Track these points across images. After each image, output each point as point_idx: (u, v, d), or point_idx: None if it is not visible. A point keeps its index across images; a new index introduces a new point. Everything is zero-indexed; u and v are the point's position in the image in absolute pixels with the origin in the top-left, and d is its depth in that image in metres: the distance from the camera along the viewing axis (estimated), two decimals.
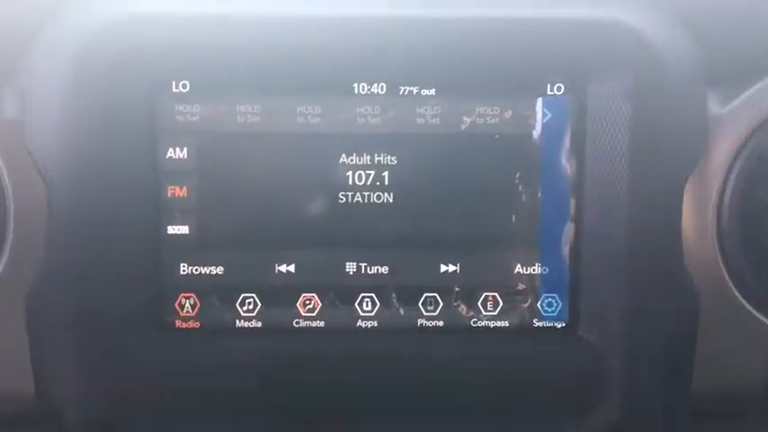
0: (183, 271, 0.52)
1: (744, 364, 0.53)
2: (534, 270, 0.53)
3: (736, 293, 0.52)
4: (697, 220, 0.52)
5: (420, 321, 0.53)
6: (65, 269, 0.50)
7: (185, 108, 0.51)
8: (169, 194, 0.51)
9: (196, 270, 0.52)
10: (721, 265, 0.52)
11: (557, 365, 0.52)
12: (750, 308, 0.53)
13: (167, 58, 0.50)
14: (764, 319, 0.53)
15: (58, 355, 0.51)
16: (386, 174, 0.52)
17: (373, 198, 0.52)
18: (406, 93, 0.52)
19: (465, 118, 0.52)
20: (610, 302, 0.51)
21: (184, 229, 0.51)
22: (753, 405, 0.55)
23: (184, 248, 0.51)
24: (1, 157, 0.50)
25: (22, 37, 0.51)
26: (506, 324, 0.53)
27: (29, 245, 0.50)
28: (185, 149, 0.51)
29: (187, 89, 0.51)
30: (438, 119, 0.52)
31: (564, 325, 0.53)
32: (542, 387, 0.52)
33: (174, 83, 0.51)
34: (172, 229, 0.51)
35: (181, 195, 0.51)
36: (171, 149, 0.51)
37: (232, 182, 0.51)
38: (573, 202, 0.52)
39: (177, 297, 0.52)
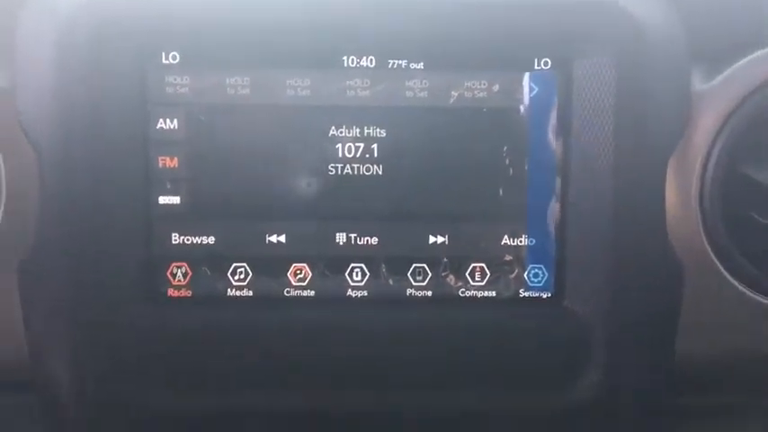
0: (175, 240, 0.52)
1: (727, 335, 0.54)
2: (521, 242, 0.54)
3: (719, 265, 0.54)
4: (680, 193, 0.53)
5: (409, 291, 0.53)
6: (57, 239, 0.50)
7: (175, 79, 0.51)
8: (160, 165, 0.52)
9: (187, 240, 0.52)
10: (704, 238, 0.53)
11: (542, 335, 0.53)
12: (732, 279, 0.54)
13: (157, 30, 0.50)
14: (746, 290, 0.54)
15: (52, 324, 0.51)
16: (375, 146, 0.52)
17: (362, 170, 0.52)
18: (395, 66, 0.52)
19: (453, 92, 0.52)
20: (595, 273, 0.52)
21: (175, 200, 0.52)
22: (735, 374, 0.56)
23: (175, 218, 0.52)
24: None
25: (11, 6, 0.51)
26: (493, 294, 0.54)
27: (21, 215, 0.50)
28: (175, 120, 0.52)
29: (177, 60, 0.51)
30: (426, 92, 0.52)
31: (550, 295, 0.54)
32: (528, 355, 0.53)
33: (163, 54, 0.51)
34: (163, 200, 0.52)
35: (171, 166, 0.52)
36: (161, 120, 0.52)
37: (222, 153, 0.52)
38: (559, 175, 0.53)
39: (169, 266, 0.52)
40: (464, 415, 0.53)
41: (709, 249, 0.53)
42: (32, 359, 0.52)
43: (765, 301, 0.54)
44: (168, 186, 0.52)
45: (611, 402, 0.53)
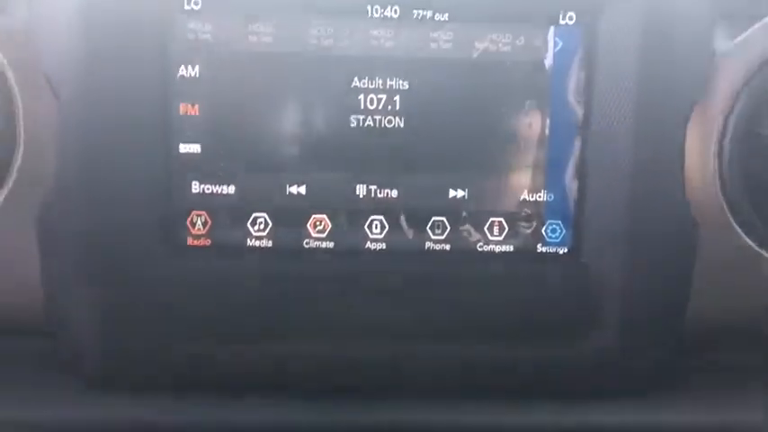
0: (195, 189, 0.52)
1: (740, 293, 0.55)
2: (540, 197, 0.54)
3: (734, 225, 0.54)
4: (699, 152, 0.53)
5: (427, 245, 0.54)
6: (76, 186, 0.50)
7: (197, 26, 0.51)
8: (181, 112, 0.51)
9: (208, 189, 0.52)
10: (720, 197, 0.54)
11: (559, 289, 0.53)
12: (747, 239, 0.54)
13: None
14: (760, 250, 0.54)
15: (70, 272, 0.51)
16: (397, 98, 0.52)
17: (384, 122, 0.52)
18: (420, 17, 0.52)
19: (477, 44, 0.52)
20: (612, 230, 0.53)
21: (196, 148, 0.52)
22: (748, 333, 0.57)
23: (196, 167, 0.52)
24: (11, 71, 0.49)
25: None
26: (511, 249, 0.54)
27: (40, 161, 0.50)
28: (197, 68, 0.51)
29: (199, 6, 0.51)
30: (451, 44, 0.52)
31: (566, 251, 0.54)
32: (544, 309, 0.53)
33: (185, 0, 0.50)
34: (183, 148, 0.51)
35: (192, 114, 0.51)
36: (183, 67, 0.51)
37: (244, 102, 0.51)
38: (580, 131, 0.53)
39: (189, 215, 0.52)
40: (478, 365, 0.54)
41: (725, 208, 0.54)
42: (48, 307, 0.52)
43: None
44: (189, 134, 0.51)
45: (624, 356, 0.53)
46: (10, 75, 0.49)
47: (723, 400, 0.55)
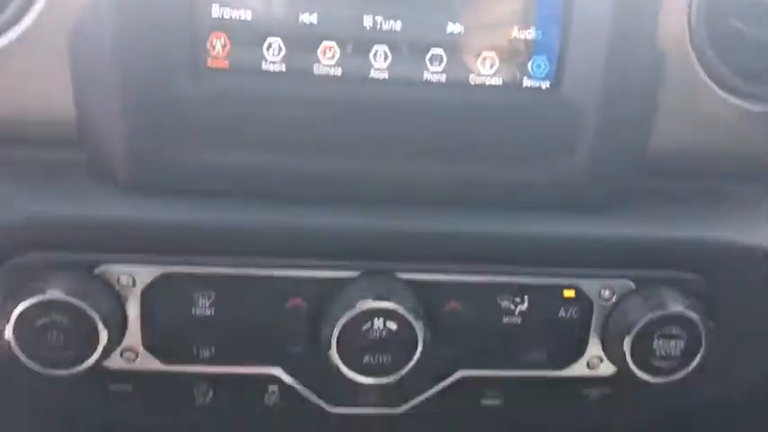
0: (215, 14, 0.56)
1: (700, 130, 0.63)
2: (528, 35, 0.59)
3: (698, 67, 0.61)
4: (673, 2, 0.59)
5: (425, 75, 0.59)
6: (105, 9, 0.54)
7: None
8: None
9: (226, 14, 0.56)
10: (688, 41, 0.60)
11: (541, 119, 0.59)
12: (709, 81, 0.61)
13: None
14: (719, 91, 0.61)
15: (99, 91, 0.55)
16: None
17: None
18: None
19: None
20: (590, 67, 0.59)
21: None
22: (704, 164, 0.65)
23: None
24: None
25: None
26: (500, 82, 0.60)
27: None
28: None
29: None
30: None
31: (549, 85, 0.60)
32: (527, 137, 0.59)
33: None
34: None
35: None
36: None
37: None
38: None
39: (209, 37, 0.56)
40: (467, 182, 0.60)
41: (690, 50, 0.61)
42: (81, 120, 0.57)
43: (736, 102, 0.62)
44: None
45: (594, 176, 0.60)
46: None
47: (676, 218, 0.63)
